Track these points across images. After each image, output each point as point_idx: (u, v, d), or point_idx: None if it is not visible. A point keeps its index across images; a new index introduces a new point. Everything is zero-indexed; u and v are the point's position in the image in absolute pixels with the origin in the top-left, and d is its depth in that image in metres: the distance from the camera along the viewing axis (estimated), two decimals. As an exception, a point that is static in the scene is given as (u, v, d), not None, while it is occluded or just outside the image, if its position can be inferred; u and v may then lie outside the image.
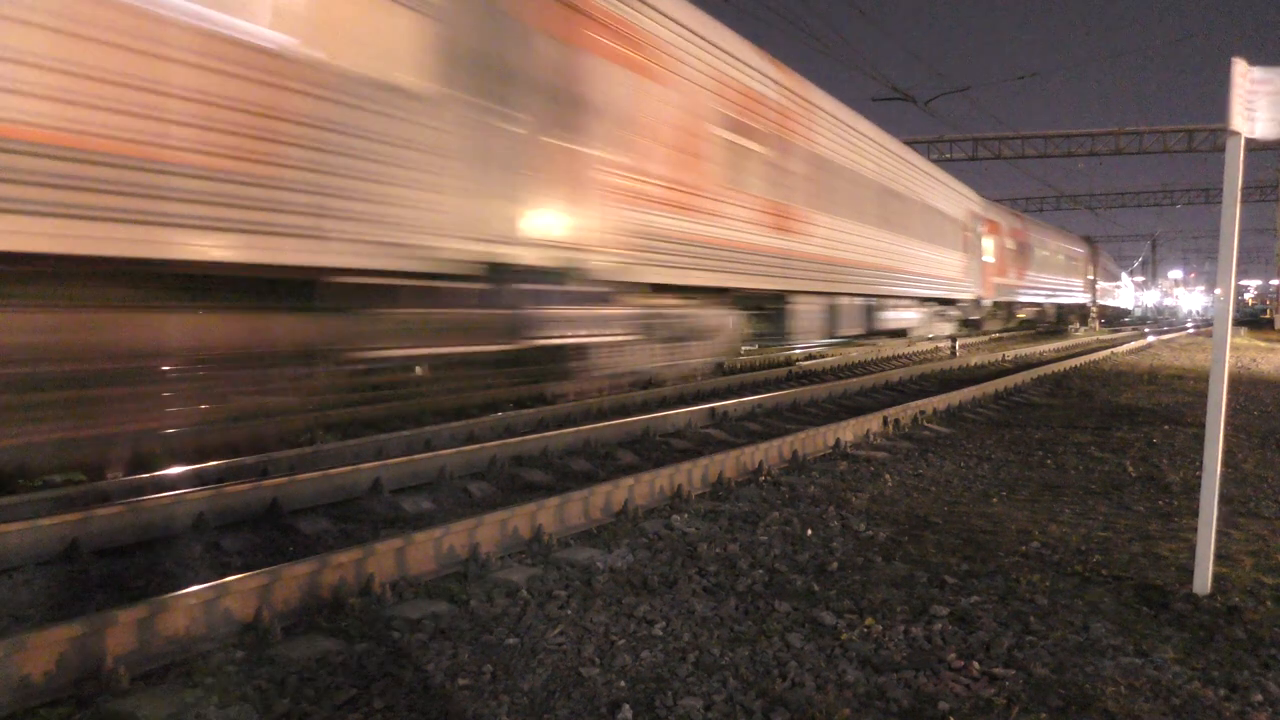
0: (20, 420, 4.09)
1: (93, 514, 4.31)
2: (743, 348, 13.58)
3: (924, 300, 18.39)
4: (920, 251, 17.33)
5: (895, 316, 16.64)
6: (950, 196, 20.28)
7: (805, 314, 12.63)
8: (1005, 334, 29.81)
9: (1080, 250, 38.73)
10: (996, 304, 25.45)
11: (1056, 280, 33.29)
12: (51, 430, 4.23)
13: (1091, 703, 2.82)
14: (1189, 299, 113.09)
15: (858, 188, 14.03)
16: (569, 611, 3.58)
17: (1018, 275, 27.79)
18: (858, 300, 14.58)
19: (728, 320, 10.72)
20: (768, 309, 11.99)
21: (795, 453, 6.69)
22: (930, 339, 21.77)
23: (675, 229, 8.68)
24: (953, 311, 21.33)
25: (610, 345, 8.13)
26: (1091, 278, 40.76)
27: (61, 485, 5.52)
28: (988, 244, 24.16)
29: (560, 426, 7.93)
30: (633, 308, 8.21)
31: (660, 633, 3.38)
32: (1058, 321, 34.96)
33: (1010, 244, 26.80)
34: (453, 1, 5.72)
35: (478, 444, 6.49)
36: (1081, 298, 38.42)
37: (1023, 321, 31.39)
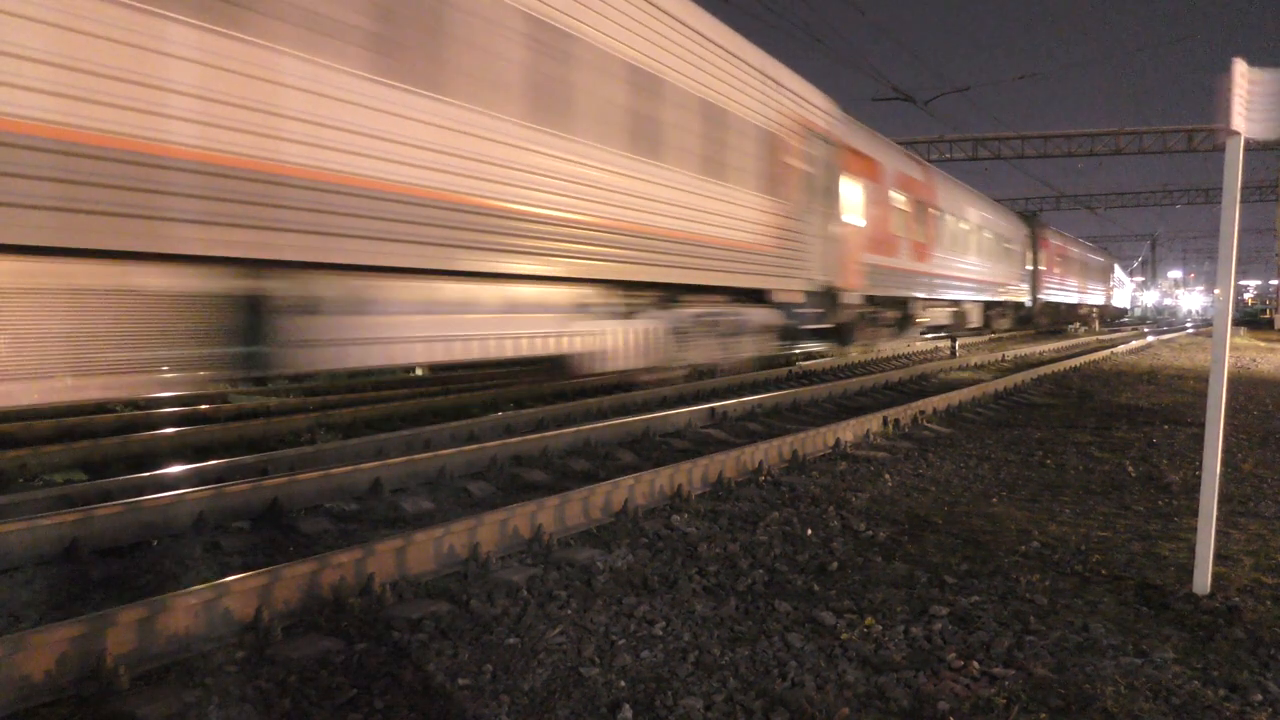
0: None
1: (93, 514, 4.31)
2: None
3: (639, 291, 8.72)
4: (601, 174, 7.59)
5: (477, 334, 6.73)
6: (730, 73, 9.67)
7: None
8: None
9: (1020, 229, 28.60)
10: (874, 301, 15.21)
11: (984, 268, 23.21)
12: None
13: (1091, 703, 2.82)
14: (1189, 299, 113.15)
15: None
16: (569, 611, 3.58)
17: (916, 255, 17.30)
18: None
19: None
20: None
21: (795, 453, 6.68)
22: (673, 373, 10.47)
23: None
24: (757, 314, 11.04)
25: None
26: (1031, 267, 29.71)
27: (61, 485, 5.51)
28: (852, 193, 13.76)
29: (560, 426, 7.93)
30: None
31: (660, 633, 3.38)
32: (984, 326, 24.88)
33: (902, 201, 16.52)
34: None
35: (478, 444, 6.48)
36: (1016, 294, 27.57)
37: (929, 330, 19.69)
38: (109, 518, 4.36)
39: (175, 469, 5.74)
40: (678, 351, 9.55)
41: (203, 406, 9.10)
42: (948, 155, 36.12)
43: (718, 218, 9.50)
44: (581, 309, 7.80)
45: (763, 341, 11.41)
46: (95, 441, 6.76)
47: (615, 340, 8.31)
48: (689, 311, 9.74)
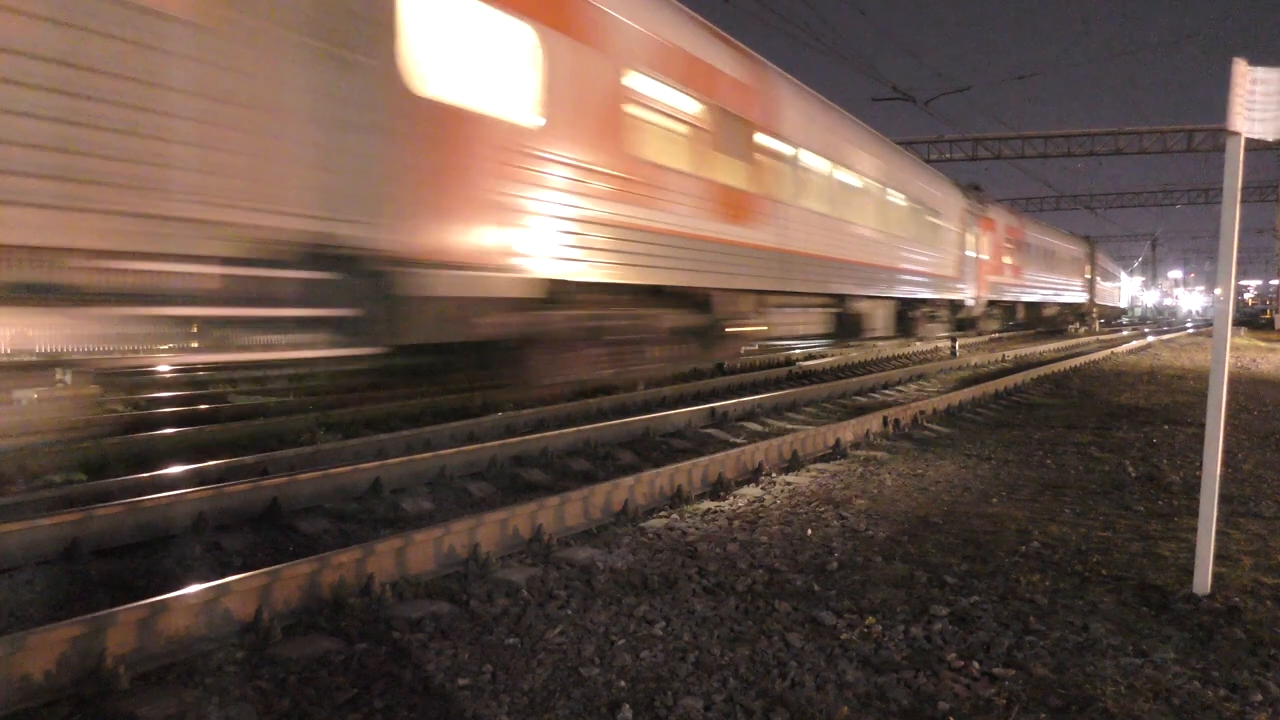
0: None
1: (93, 514, 4.31)
2: None
3: None
4: None
5: None
6: None
7: None
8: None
9: (954, 201, 20.03)
10: (596, 293, 7.57)
11: (893, 249, 15.33)
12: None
13: (1091, 703, 2.82)
14: (1189, 299, 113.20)
15: None
16: (569, 611, 3.58)
17: (732, 214, 9.58)
18: None
19: None
20: None
21: (795, 452, 6.68)
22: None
23: None
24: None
25: None
26: (973, 254, 21.63)
27: (61, 485, 5.51)
28: (500, 45, 6.06)
29: (560, 426, 7.93)
30: None
31: (660, 632, 3.38)
32: (901, 333, 17.35)
33: (693, 111, 8.80)
34: None
35: (478, 444, 6.48)
36: (948, 289, 19.34)
37: (774, 340, 12.42)
38: (109, 518, 4.36)
39: (175, 469, 5.74)
40: None
41: (202, 406, 9.09)
42: (948, 155, 36.13)
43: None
44: None
45: None
46: (95, 441, 6.75)
47: None
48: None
